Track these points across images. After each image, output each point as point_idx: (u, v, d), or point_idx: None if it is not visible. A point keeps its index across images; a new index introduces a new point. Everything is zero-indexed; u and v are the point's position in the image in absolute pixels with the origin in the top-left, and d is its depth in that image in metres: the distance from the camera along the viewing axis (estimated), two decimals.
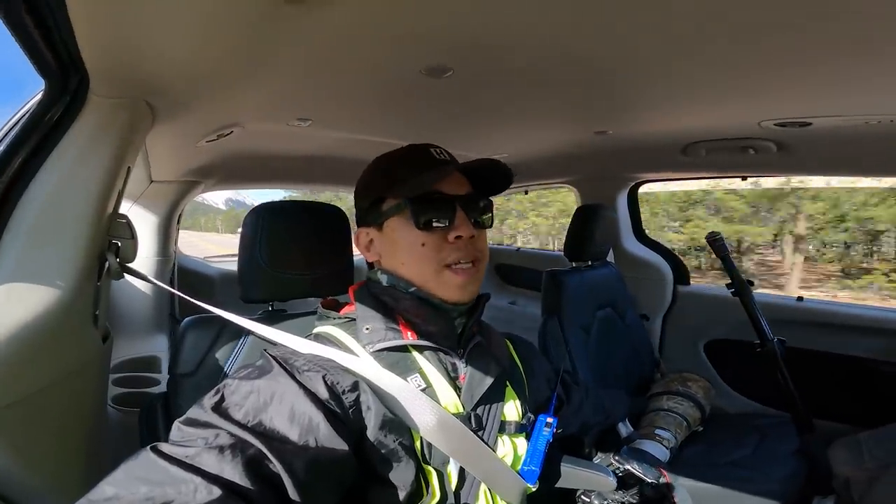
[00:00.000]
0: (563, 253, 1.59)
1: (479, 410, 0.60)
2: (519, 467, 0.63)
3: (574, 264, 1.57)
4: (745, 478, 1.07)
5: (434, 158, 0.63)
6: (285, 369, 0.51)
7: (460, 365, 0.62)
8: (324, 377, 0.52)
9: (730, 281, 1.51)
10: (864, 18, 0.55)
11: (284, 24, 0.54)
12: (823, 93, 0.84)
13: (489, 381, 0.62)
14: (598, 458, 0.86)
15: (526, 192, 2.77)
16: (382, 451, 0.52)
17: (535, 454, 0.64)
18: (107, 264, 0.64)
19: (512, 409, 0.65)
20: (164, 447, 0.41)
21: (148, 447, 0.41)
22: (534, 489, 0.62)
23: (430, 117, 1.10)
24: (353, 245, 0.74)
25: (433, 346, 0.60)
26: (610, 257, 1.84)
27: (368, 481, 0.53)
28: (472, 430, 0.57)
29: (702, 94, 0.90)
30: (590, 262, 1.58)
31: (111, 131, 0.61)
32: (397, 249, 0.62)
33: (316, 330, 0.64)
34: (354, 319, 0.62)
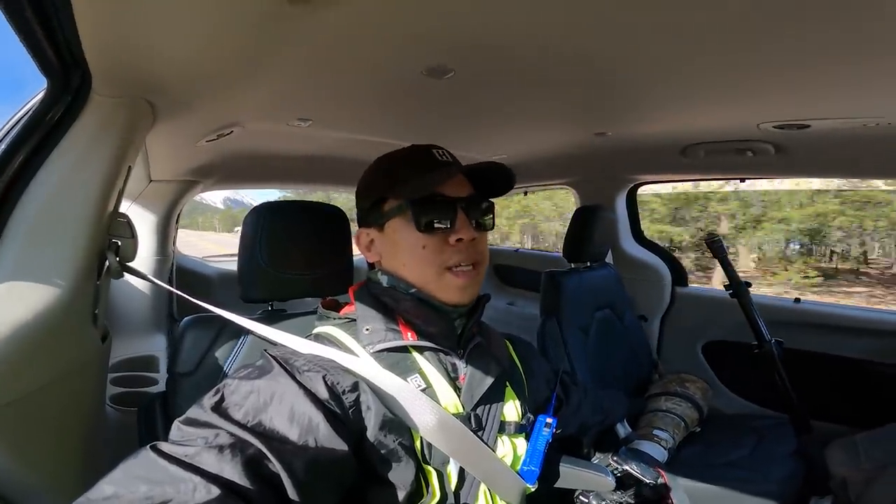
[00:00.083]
0: (561, 254, 1.59)
1: (478, 411, 0.60)
2: (518, 467, 0.63)
3: (573, 265, 1.57)
4: (743, 478, 1.07)
5: (436, 160, 0.63)
6: (285, 369, 0.51)
7: (460, 365, 0.62)
8: (324, 377, 0.52)
9: (727, 282, 1.52)
10: (863, 22, 0.56)
11: (287, 24, 0.54)
12: (822, 95, 0.85)
13: (489, 381, 0.62)
14: (597, 459, 0.86)
15: (525, 194, 2.78)
16: (382, 452, 0.52)
17: (534, 454, 0.64)
18: (106, 263, 0.64)
19: (511, 410, 0.65)
20: (163, 446, 0.42)
21: (147, 446, 0.41)
22: (533, 489, 0.62)
23: (431, 118, 1.10)
24: (354, 245, 0.74)
25: (433, 346, 0.61)
26: (609, 258, 1.85)
27: (368, 481, 0.53)
28: (471, 431, 0.57)
29: (701, 95, 0.90)
30: (588, 263, 1.58)
31: (112, 130, 0.61)
32: (398, 251, 0.62)
33: (316, 330, 0.65)
34: (354, 320, 0.62)
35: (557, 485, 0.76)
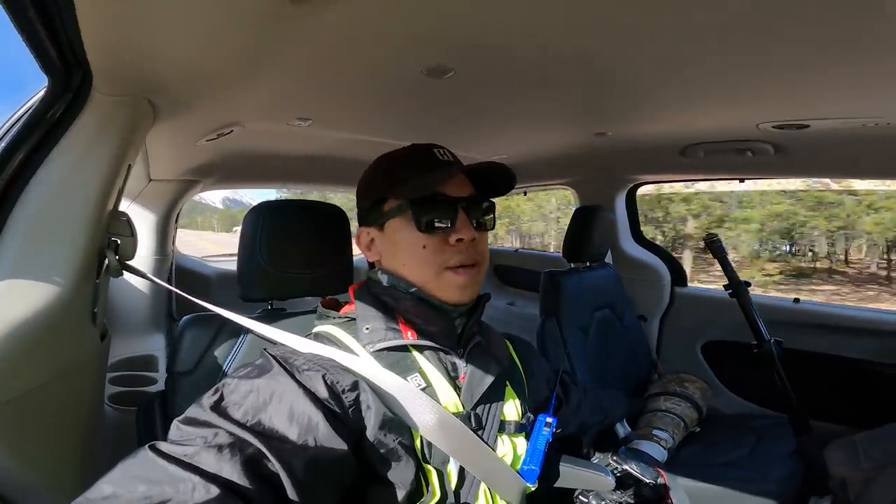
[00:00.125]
0: (560, 254, 1.60)
1: (478, 410, 0.60)
2: (518, 467, 0.63)
3: (572, 265, 1.57)
4: (743, 478, 1.07)
5: (438, 160, 0.62)
6: (285, 368, 0.51)
7: (460, 364, 0.62)
8: (323, 376, 0.52)
9: (727, 282, 1.52)
10: (863, 22, 0.56)
11: (288, 23, 0.54)
12: (821, 96, 0.85)
13: (489, 380, 0.62)
14: (597, 459, 0.86)
15: (525, 194, 2.78)
16: (382, 451, 0.52)
17: (534, 453, 0.64)
18: (106, 261, 0.64)
19: (511, 409, 0.65)
20: (162, 446, 0.41)
21: (146, 446, 0.41)
22: (533, 489, 0.62)
23: (431, 118, 1.10)
24: (354, 244, 0.74)
25: (433, 345, 0.60)
26: (608, 258, 1.85)
27: (368, 481, 0.53)
28: (471, 430, 0.57)
29: (701, 95, 0.90)
30: (588, 263, 1.59)
31: (112, 129, 0.61)
32: (398, 250, 0.62)
33: (316, 329, 0.64)
34: (354, 319, 0.62)
35: (557, 484, 0.76)
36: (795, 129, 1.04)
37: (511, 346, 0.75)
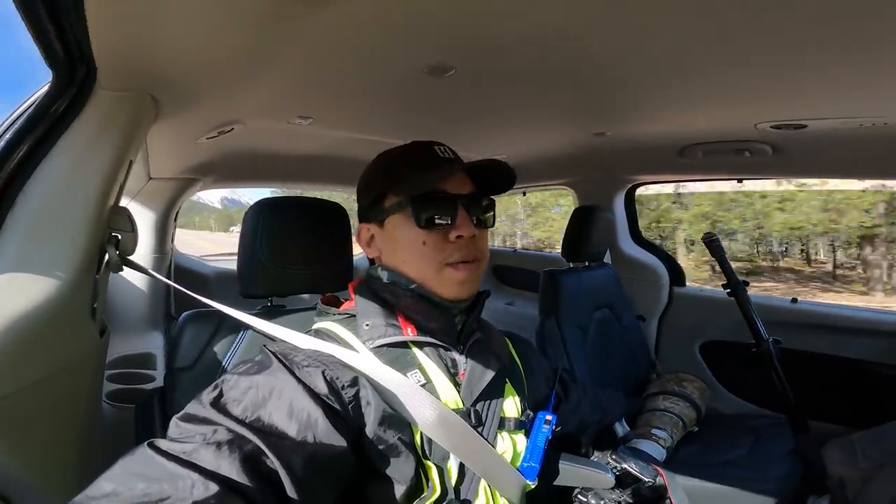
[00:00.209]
0: (559, 254, 1.60)
1: (478, 406, 0.60)
2: (518, 464, 0.63)
3: (571, 265, 1.58)
4: (741, 477, 1.07)
5: (438, 157, 0.62)
6: (284, 365, 0.51)
7: (460, 361, 0.62)
8: (323, 372, 0.52)
9: (726, 281, 1.52)
10: (860, 22, 0.56)
11: (292, 21, 0.54)
12: (819, 96, 0.86)
13: (489, 376, 0.62)
14: (596, 458, 0.86)
15: (524, 194, 2.78)
16: (382, 447, 0.52)
17: (534, 451, 0.64)
18: (107, 256, 0.64)
19: (511, 406, 0.65)
20: (161, 443, 0.41)
21: (146, 443, 0.41)
22: (533, 486, 0.62)
23: (431, 117, 1.10)
24: (354, 241, 0.74)
25: (433, 341, 0.60)
26: (607, 258, 1.85)
27: (367, 477, 0.53)
28: (471, 426, 0.57)
29: (700, 95, 0.91)
30: (587, 263, 1.59)
31: (115, 124, 0.61)
32: (398, 247, 0.62)
33: (315, 326, 0.64)
34: (354, 315, 0.62)
35: (557, 482, 0.76)
36: (793, 129, 1.05)
37: (511, 344, 0.75)
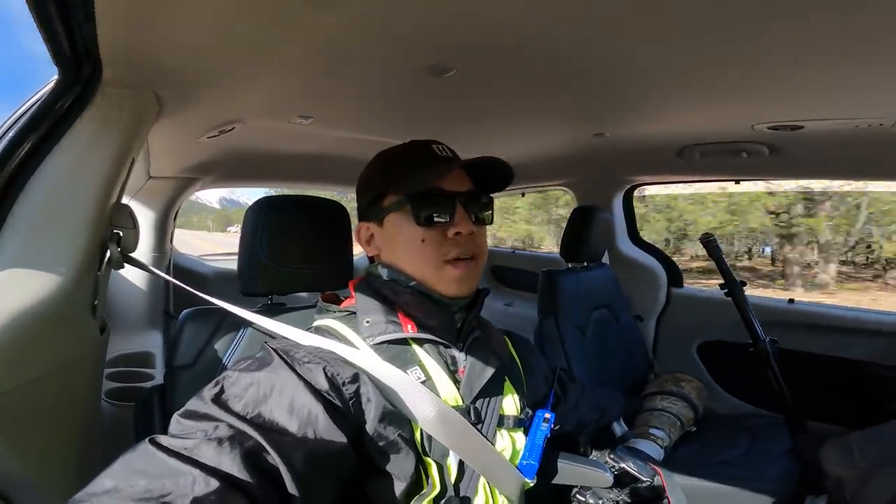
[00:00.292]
0: (557, 254, 1.60)
1: (478, 404, 0.61)
2: (517, 462, 0.63)
3: (570, 265, 1.58)
4: (739, 476, 1.08)
5: (436, 155, 0.63)
6: (285, 361, 0.51)
7: (460, 358, 0.62)
8: (324, 369, 0.52)
9: (723, 282, 1.53)
10: (857, 24, 0.57)
11: (295, 21, 0.55)
12: (816, 97, 0.86)
13: (489, 374, 0.62)
14: (594, 457, 0.86)
15: (523, 195, 2.79)
16: (382, 444, 0.53)
17: (533, 449, 0.64)
18: (108, 253, 0.64)
19: (510, 404, 0.66)
20: (162, 439, 0.41)
21: (147, 439, 0.41)
22: (532, 484, 0.62)
23: (431, 118, 1.11)
24: (354, 240, 0.74)
25: (433, 339, 0.61)
26: (605, 259, 1.86)
27: (368, 473, 0.53)
28: (471, 423, 0.58)
29: (698, 96, 0.92)
30: (585, 264, 1.59)
31: (118, 122, 0.61)
32: (397, 244, 0.63)
33: (316, 323, 0.65)
34: (355, 313, 0.62)
35: (555, 481, 0.76)
36: (790, 129, 1.05)
37: (510, 343, 0.75)
